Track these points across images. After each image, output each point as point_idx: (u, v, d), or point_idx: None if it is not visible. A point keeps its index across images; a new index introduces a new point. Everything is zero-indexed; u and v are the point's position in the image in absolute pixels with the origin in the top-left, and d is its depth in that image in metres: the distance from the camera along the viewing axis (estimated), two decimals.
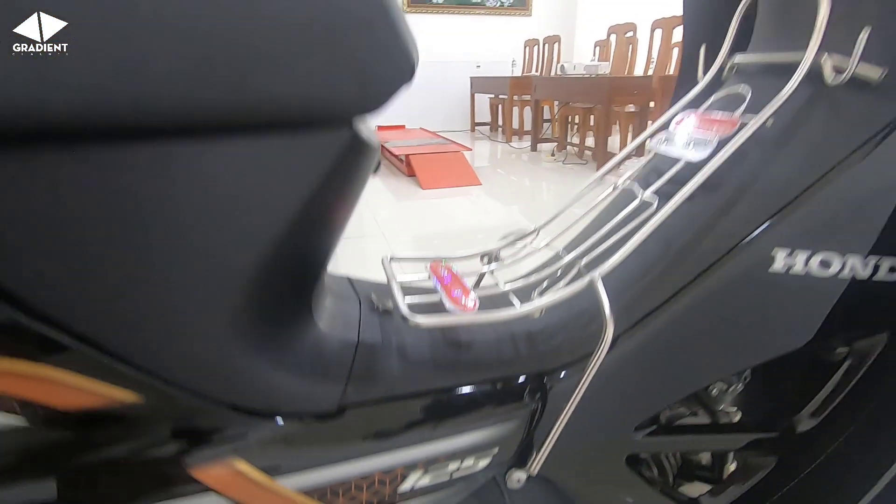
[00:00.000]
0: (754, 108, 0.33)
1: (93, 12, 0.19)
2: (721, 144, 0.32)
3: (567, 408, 0.31)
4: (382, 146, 3.66)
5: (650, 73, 3.90)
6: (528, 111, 4.73)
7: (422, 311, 0.31)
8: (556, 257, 0.36)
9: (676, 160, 0.34)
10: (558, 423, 0.31)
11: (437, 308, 0.31)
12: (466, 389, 0.31)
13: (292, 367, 0.29)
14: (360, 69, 0.27)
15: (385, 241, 2.00)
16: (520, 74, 4.80)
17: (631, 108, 3.29)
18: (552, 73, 4.67)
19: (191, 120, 0.23)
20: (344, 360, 0.30)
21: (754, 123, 0.31)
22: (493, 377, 0.32)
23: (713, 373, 0.36)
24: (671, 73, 3.64)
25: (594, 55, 4.44)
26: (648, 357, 0.33)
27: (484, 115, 5.60)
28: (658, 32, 3.40)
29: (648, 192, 0.33)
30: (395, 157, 3.25)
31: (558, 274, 0.35)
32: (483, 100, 5.47)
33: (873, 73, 0.31)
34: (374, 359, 0.31)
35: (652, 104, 3.26)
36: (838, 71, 0.31)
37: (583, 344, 0.32)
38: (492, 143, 4.72)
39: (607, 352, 0.31)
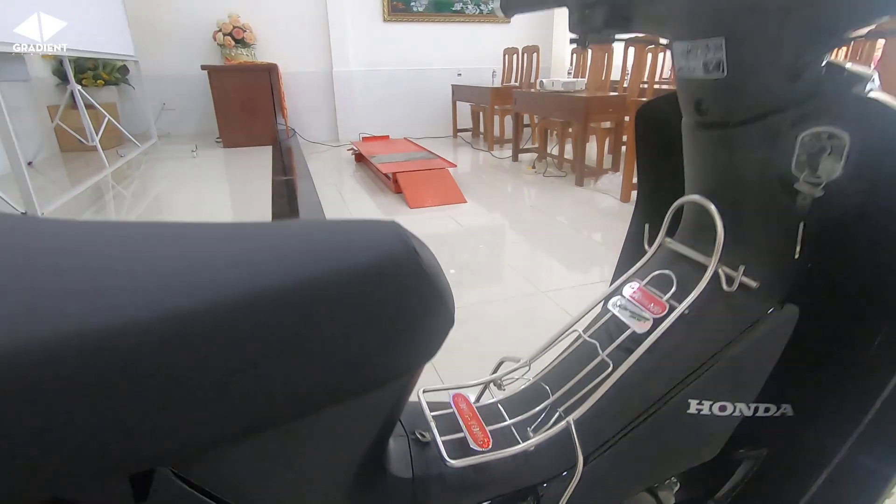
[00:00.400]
0: (678, 297, 0.47)
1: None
2: (656, 323, 0.47)
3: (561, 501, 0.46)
4: (369, 161, 3.76)
5: (625, 83, 4.07)
6: (508, 118, 4.87)
7: (453, 448, 0.45)
8: (543, 393, 0.51)
9: (626, 326, 0.48)
10: None
11: (464, 444, 0.45)
12: (487, 501, 0.46)
13: (374, 502, 0.42)
14: (418, 333, 0.36)
15: None
16: (500, 84, 4.91)
17: (607, 124, 3.45)
18: (532, 82, 4.81)
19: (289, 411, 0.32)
20: (404, 491, 0.44)
21: (678, 311, 0.46)
22: (505, 491, 0.46)
23: (654, 478, 0.52)
24: (644, 85, 3.81)
25: (571, 64, 4.59)
26: (611, 469, 0.48)
27: (466, 121, 5.72)
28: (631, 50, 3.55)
29: (605, 355, 0.48)
30: (383, 174, 3.35)
31: (544, 415, 0.49)
32: (465, 106, 5.59)
33: (752, 283, 0.45)
34: (425, 488, 0.45)
35: (627, 118, 3.43)
36: (729, 280, 0.46)
37: (565, 462, 0.47)
38: (474, 152, 4.85)
39: (582, 467, 0.45)
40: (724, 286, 0.46)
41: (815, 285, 0.46)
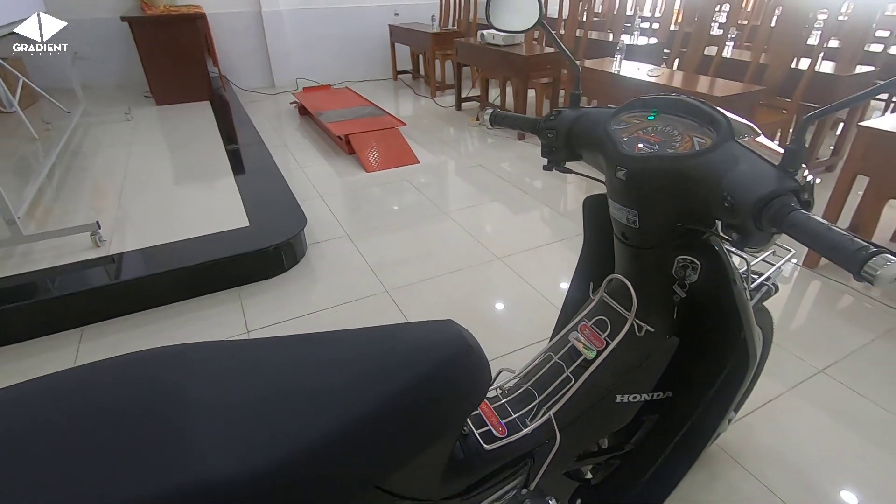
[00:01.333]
0: (612, 335, 0.79)
1: None
2: (598, 353, 0.78)
3: (542, 468, 0.79)
4: (316, 118, 3.78)
5: (562, 31, 4.23)
6: (450, 61, 4.91)
7: (483, 436, 0.76)
8: (532, 395, 0.82)
9: (580, 354, 0.80)
10: (539, 471, 0.79)
11: (490, 433, 0.76)
12: (500, 469, 0.78)
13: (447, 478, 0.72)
14: (473, 400, 0.64)
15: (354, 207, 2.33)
16: (439, 29, 4.88)
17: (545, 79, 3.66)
18: (470, 22, 4.82)
19: None
20: (461, 468, 0.74)
21: (611, 346, 0.78)
22: (514, 456, 0.78)
23: (598, 437, 0.87)
24: (579, 36, 3.99)
25: None
26: (575, 437, 0.81)
27: (406, 63, 5.66)
28: None
29: (569, 372, 0.79)
30: (335, 135, 3.42)
31: (535, 410, 0.81)
32: (403, 49, 5.51)
33: (652, 329, 0.78)
34: (470, 464, 0.75)
35: (564, 71, 3.65)
36: (640, 328, 0.78)
37: (549, 436, 0.80)
38: (416, 98, 4.89)
39: (559, 438, 0.78)
40: (637, 332, 0.78)
41: (685, 327, 0.80)
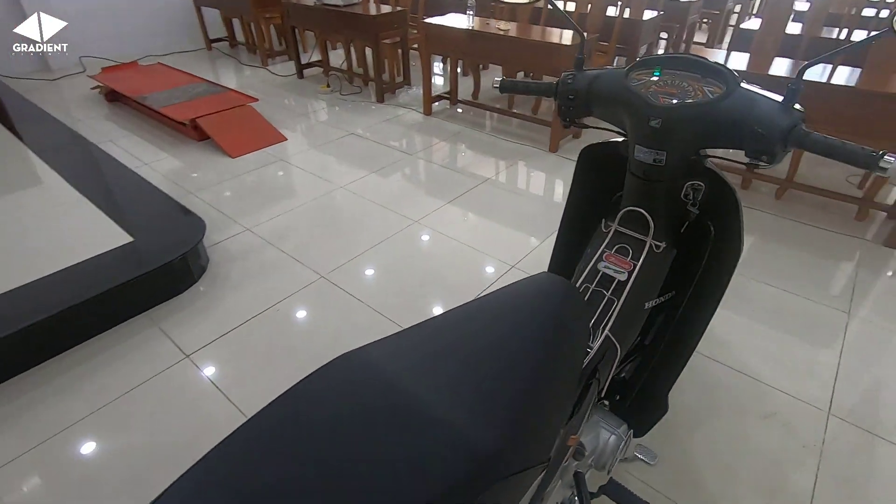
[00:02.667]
0: (635, 258, 0.96)
1: None
2: (629, 275, 0.95)
3: (607, 380, 0.95)
4: (140, 103, 3.21)
5: None
6: (273, 27, 4.51)
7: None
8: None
9: (614, 278, 0.96)
10: (605, 383, 0.94)
11: None
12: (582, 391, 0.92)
13: None
14: (585, 328, 0.75)
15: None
16: None
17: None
18: None
19: None
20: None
21: (637, 266, 0.95)
22: (586, 383, 0.93)
23: (633, 336, 1.06)
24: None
25: None
26: (622, 335, 0.97)
27: (217, 29, 5.01)
28: None
29: (609, 294, 0.95)
30: (177, 121, 2.97)
31: (591, 333, 0.96)
32: (212, 13, 4.85)
33: (663, 245, 0.97)
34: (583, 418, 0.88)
35: (415, 31, 3.68)
36: (656, 246, 0.96)
37: (608, 354, 0.96)
38: (246, 69, 4.44)
39: (618, 353, 0.95)
40: (655, 250, 0.97)
41: (684, 241, 1.01)
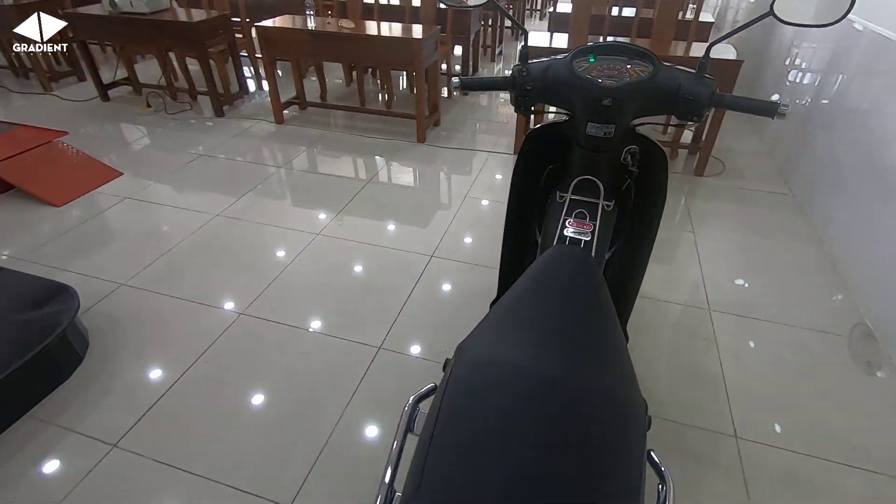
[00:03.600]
0: (592, 218, 1.12)
1: None
2: (591, 234, 1.11)
3: None
4: None
5: None
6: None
7: None
8: None
9: (580, 240, 1.11)
10: None
11: None
12: None
13: None
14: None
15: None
16: (13, 1, 3.59)
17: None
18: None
19: None
20: None
21: (596, 226, 1.11)
22: None
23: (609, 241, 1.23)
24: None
25: None
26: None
27: None
28: None
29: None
30: None
31: None
32: None
33: (611, 204, 1.15)
34: None
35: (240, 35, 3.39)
36: (607, 206, 1.14)
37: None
38: (23, 98, 3.61)
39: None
40: (606, 210, 1.13)
41: (622, 198, 1.21)
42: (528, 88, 1.02)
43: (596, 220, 1.11)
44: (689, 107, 0.94)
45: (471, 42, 3.91)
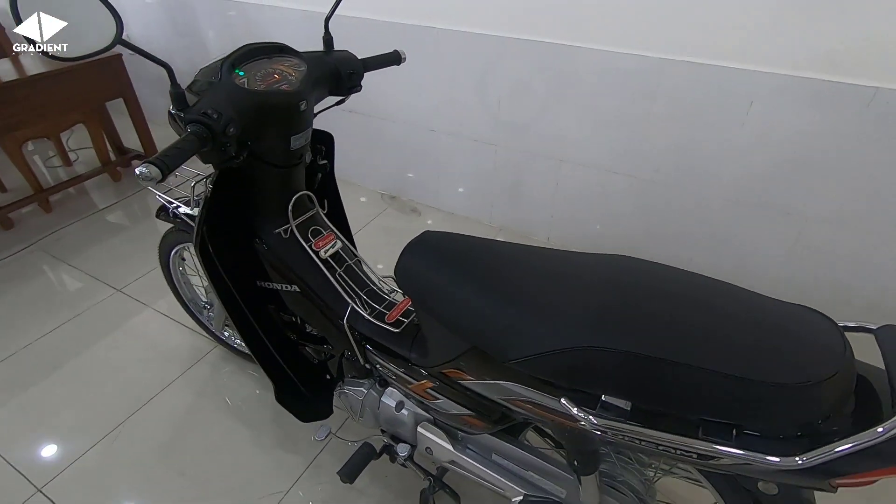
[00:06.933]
0: (327, 228, 1.16)
1: None
2: (340, 241, 1.15)
3: None
4: None
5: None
6: None
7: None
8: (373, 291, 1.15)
9: (335, 248, 1.11)
10: None
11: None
12: None
13: None
14: None
15: None
16: None
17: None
18: None
19: None
20: None
21: (334, 229, 1.14)
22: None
23: None
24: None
25: None
26: None
27: None
28: None
29: (351, 262, 1.16)
30: None
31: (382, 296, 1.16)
32: None
33: (324, 211, 1.21)
34: None
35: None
36: (322, 210, 1.20)
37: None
38: None
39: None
40: (321, 211, 1.11)
41: (324, 192, 1.20)
42: (231, 132, 0.81)
43: (328, 227, 1.11)
44: (353, 80, 1.02)
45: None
